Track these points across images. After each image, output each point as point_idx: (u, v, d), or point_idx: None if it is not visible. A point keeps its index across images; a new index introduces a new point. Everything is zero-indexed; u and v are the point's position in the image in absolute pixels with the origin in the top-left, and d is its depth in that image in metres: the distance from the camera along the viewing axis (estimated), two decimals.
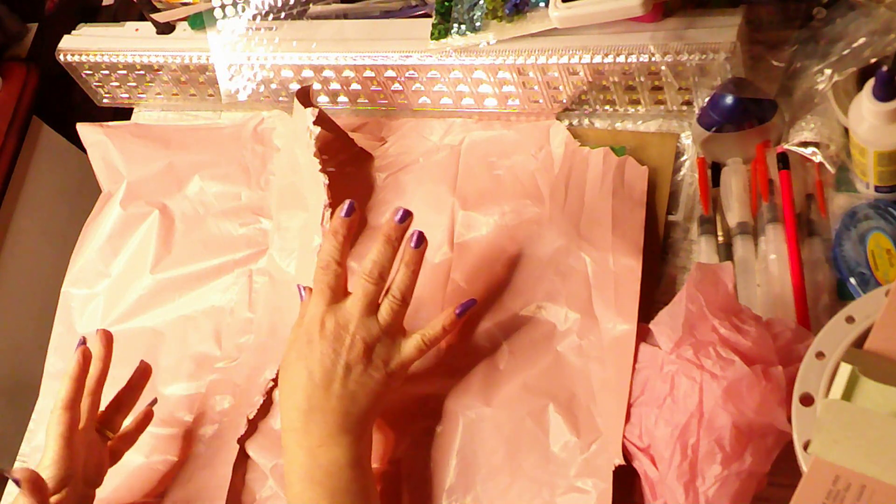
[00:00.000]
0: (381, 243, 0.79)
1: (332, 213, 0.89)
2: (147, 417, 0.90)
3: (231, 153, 1.04)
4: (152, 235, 1.01)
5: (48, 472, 0.78)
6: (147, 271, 1.00)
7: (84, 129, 1.10)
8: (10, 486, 0.87)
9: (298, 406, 0.76)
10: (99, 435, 0.85)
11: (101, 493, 0.85)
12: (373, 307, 0.78)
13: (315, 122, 0.91)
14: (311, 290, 0.80)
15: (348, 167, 0.98)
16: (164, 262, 1.00)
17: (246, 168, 1.03)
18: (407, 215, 0.79)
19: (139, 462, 0.91)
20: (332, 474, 0.75)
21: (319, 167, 0.90)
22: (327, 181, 0.90)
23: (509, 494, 0.79)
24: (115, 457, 0.87)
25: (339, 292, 0.79)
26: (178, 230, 1.02)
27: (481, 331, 0.86)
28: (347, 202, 0.80)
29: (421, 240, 0.80)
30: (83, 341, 0.85)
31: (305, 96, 0.95)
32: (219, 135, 1.06)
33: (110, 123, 1.11)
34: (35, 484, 0.76)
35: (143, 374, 0.90)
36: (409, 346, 0.79)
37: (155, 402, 0.91)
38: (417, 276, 0.80)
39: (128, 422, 0.89)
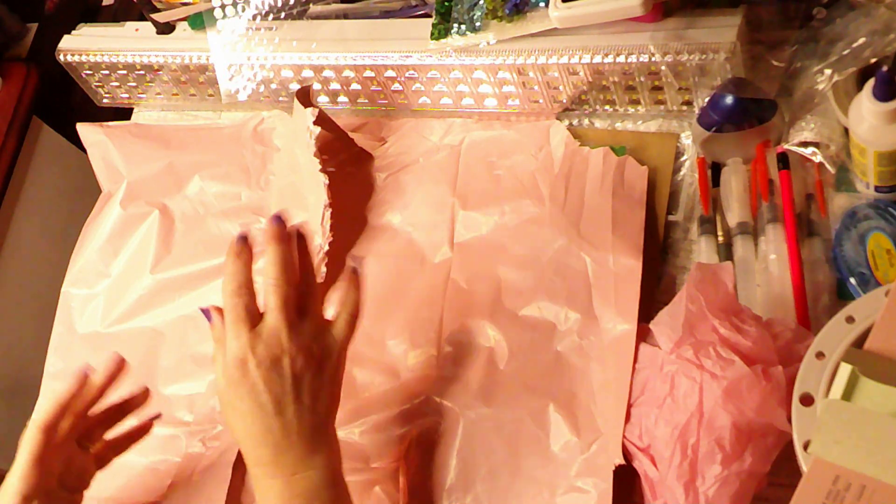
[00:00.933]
0: (268, 244, 0.74)
1: (332, 213, 0.89)
2: (142, 430, 0.87)
3: (231, 153, 1.04)
4: (152, 235, 1.01)
5: (14, 486, 0.77)
6: (147, 271, 1.00)
7: (84, 129, 1.10)
8: None
9: (262, 442, 0.72)
10: (78, 445, 0.83)
11: (100, 493, 0.85)
12: (291, 307, 0.73)
13: (315, 122, 0.91)
14: (218, 310, 0.75)
15: (348, 167, 0.98)
16: (164, 262, 1.00)
17: (246, 168, 1.03)
18: (280, 218, 0.75)
19: (139, 462, 0.91)
20: (313, 499, 0.72)
21: (319, 167, 0.90)
22: (327, 181, 0.90)
23: (509, 494, 0.79)
24: (102, 462, 0.85)
25: (254, 314, 0.73)
26: (178, 230, 1.02)
27: (481, 331, 0.86)
28: (241, 233, 0.75)
29: (278, 219, 0.74)
30: (86, 369, 0.81)
31: (305, 96, 0.95)
32: (219, 135, 1.06)
33: (110, 123, 1.11)
34: None
35: (141, 398, 0.87)
36: (342, 325, 0.75)
37: (158, 416, 0.88)
38: (287, 253, 0.74)
39: (126, 426, 0.88)
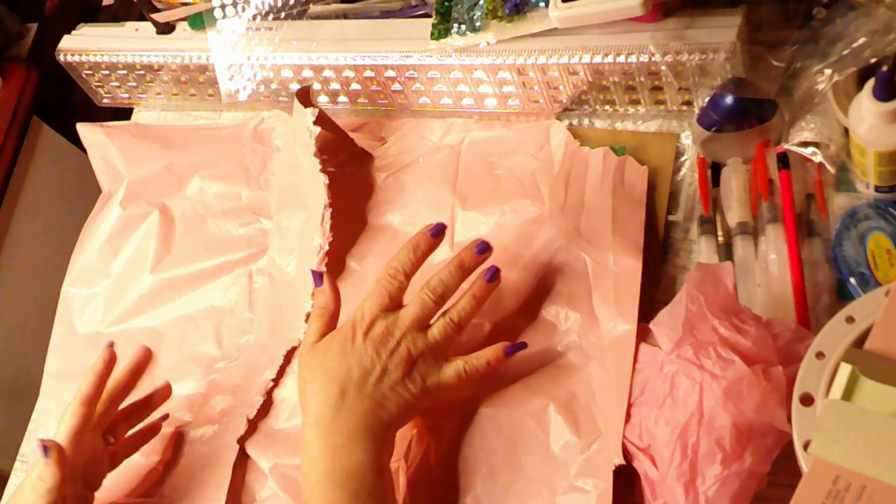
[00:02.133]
0: (454, 266, 0.79)
1: (332, 213, 0.89)
2: (153, 430, 0.89)
3: (231, 153, 1.04)
4: (152, 235, 1.01)
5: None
6: (147, 271, 1.00)
7: (84, 129, 1.10)
8: (16, 470, 0.86)
9: (330, 401, 0.75)
10: (102, 439, 0.85)
11: (99, 492, 0.85)
12: (424, 322, 0.78)
13: (315, 122, 0.91)
14: (325, 275, 0.81)
15: (348, 167, 0.98)
16: (164, 262, 1.00)
17: (246, 168, 1.03)
18: (486, 248, 0.80)
19: (139, 461, 0.91)
20: (355, 477, 0.74)
21: (319, 167, 0.90)
22: (327, 181, 0.90)
23: (509, 494, 0.79)
24: (114, 462, 0.87)
25: (396, 301, 0.79)
26: (178, 230, 1.02)
27: (481, 331, 0.86)
28: (437, 224, 0.80)
29: (495, 276, 0.80)
30: (111, 344, 0.85)
31: (305, 96, 0.95)
32: (219, 135, 1.06)
33: (110, 123, 1.11)
34: (61, 454, 0.76)
35: (165, 393, 0.89)
36: (450, 370, 0.78)
37: (166, 417, 0.90)
38: (479, 308, 0.80)
39: (134, 430, 0.88)
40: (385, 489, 0.75)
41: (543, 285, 0.86)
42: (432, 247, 0.81)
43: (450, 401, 0.83)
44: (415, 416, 0.79)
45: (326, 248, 0.89)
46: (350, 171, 0.98)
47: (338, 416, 0.75)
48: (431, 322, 0.79)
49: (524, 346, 0.80)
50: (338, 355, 0.77)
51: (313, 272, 0.82)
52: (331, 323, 0.80)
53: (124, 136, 1.09)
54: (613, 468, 0.75)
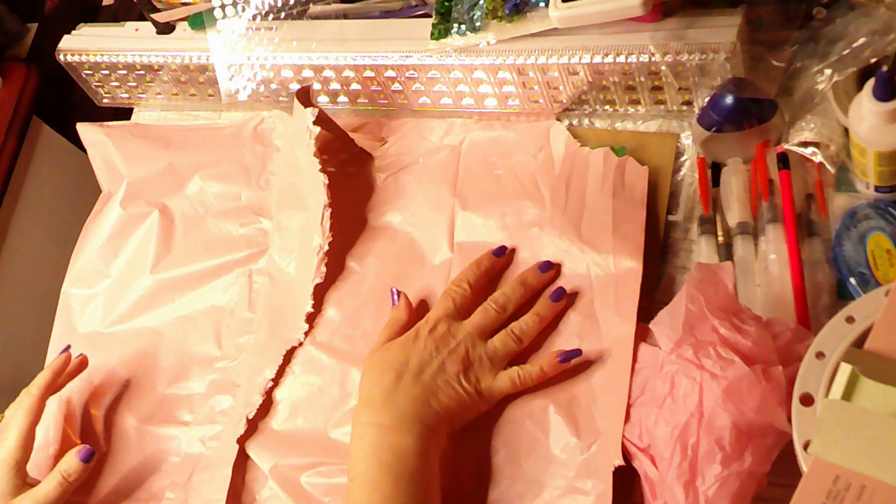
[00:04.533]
0: (518, 283, 0.84)
1: (332, 213, 0.89)
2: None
3: (231, 153, 1.04)
4: (152, 235, 1.01)
5: (11, 455, 0.83)
6: (147, 271, 1.00)
7: (84, 129, 1.10)
8: None
9: (384, 384, 0.78)
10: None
11: (99, 492, 0.85)
12: (486, 331, 0.82)
13: (315, 122, 0.91)
14: (402, 295, 0.86)
15: (348, 167, 0.98)
16: (164, 262, 1.00)
17: (246, 168, 1.03)
18: (550, 267, 0.84)
19: (139, 461, 0.91)
20: (400, 458, 0.75)
21: (319, 167, 0.90)
22: (327, 181, 0.90)
23: (509, 495, 0.79)
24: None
25: (462, 309, 0.83)
26: (178, 230, 1.02)
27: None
28: (500, 246, 0.87)
29: (560, 296, 0.83)
30: (68, 348, 0.92)
31: (305, 96, 0.95)
32: (219, 135, 1.06)
33: (110, 123, 1.11)
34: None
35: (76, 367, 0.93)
36: (504, 377, 0.80)
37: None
38: (543, 325, 0.83)
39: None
40: (429, 476, 0.76)
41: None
42: (494, 265, 0.86)
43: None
44: (469, 418, 0.80)
45: (326, 248, 0.89)
46: (350, 171, 0.98)
47: (390, 399, 0.78)
48: (493, 334, 0.82)
49: (579, 352, 0.80)
50: (399, 348, 0.81)
51: (393, 291, 0.87)
52: (400, 332, 0.84)
53: (124, 136, 1.09)
54: (613, 469, 0.75)
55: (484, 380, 0.80)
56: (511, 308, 0.83)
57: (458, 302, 0.83)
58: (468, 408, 0.80)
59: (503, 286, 0.85)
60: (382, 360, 0.81)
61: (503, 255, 0.87)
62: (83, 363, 0.93)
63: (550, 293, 0.83)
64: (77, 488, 0.85)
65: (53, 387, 0.88)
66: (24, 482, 0.83)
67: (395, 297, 0.86)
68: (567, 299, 0.84)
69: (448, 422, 0.79)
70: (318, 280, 0.89)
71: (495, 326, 0.82)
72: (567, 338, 0.83)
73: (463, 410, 0.79)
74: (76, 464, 0.83)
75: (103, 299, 1.01)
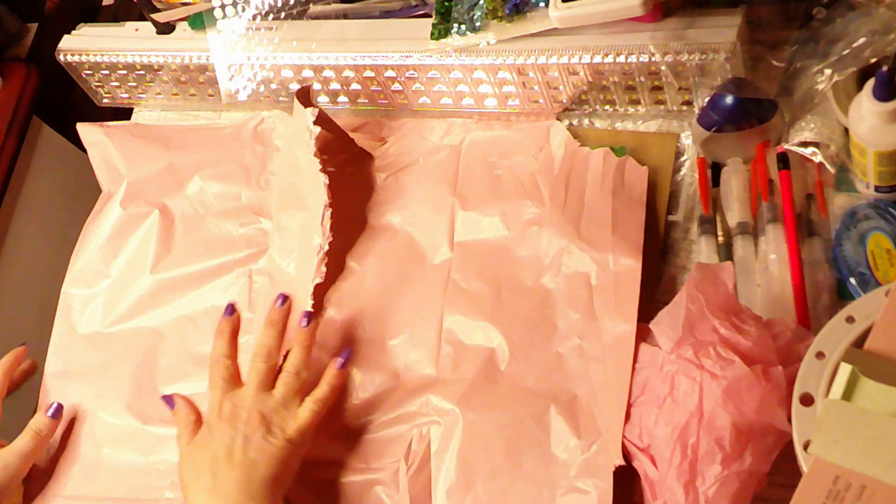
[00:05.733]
0: (265, 327, 0.85)
1: (332, 213, 0.89)
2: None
3: (231, 153, 1.04)
4: (152, 235, 1.01)
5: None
6: (147, 271, 1.00)
7: (84, 129, 1.10)
8: None
9: (204, 485, 0.78)
10: None
11: (99, 492, 0.86)
12: (267, 384, 0.83)
13: (315, 122, 0.91)
14: (182, 398, 0.87)
15: (348, 167, 0.98)
16: (164, 262, 1.00)
17: (246, 168, 1.03)
18: (285, 299, 0.86)
19: (139, 461, 0.91)
20: None
21: (319, 167, 0.90)
22: (327, 181, 0.90)
23: (510, 495, 0.79)
24: None
25: (232, 382, 0.84)
26: (178, 230, 1.02)
27: (482, 331, 0.86)
28: (229, 305, 0.87)
29: (309, 318, 0.85)
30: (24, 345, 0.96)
31: (305, 96, 0.95)
32: (219, 135, 1.06)
33: (110, 123, 1.11)
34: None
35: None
36: (304, 411, 0.82)
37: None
38: (310, 350, 0.85)
39: None
40: None
41: (543, 286, 0.86)
42: (236, 326, 0.87)
43: None
44: (295, 467, 0.81)
45: (326, 248, 0.89)
46: (350, 171, 0.98)
47: (215, 494, 0.78)
48: (275, 382, 0.83)
49: (350, 351, 0.86)
50: (201, 447, 0.81)
51: (163, 397, 0.89)
52: (195, 430, 0.84)
53: (124, 136, 1.09)
54: (613, 468, 0.75)
55: (287, 426, 0.81)
56: (275, 352, 0.84)
57: (226, 377, 0.84)
58: (288, 460, 0.80)
59: (258, 336, 0.86)
60: (192, 464, 0.81)
61: (235, 313, 0.87)
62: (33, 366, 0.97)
63: (301, 321, 0.85)
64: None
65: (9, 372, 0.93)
66: None
67: (171, 403, 0.87)
68: (290, 303, 0.86)
69: (279, 484, 0.79)
70: (318, 280, 0.89)
71: (273, 375, 0.83)
72: (567, 337, 0.83)
73: (285, 466, 0.79)
74: (46, 419, 0.90)
75: (103, 299, 1.01)
